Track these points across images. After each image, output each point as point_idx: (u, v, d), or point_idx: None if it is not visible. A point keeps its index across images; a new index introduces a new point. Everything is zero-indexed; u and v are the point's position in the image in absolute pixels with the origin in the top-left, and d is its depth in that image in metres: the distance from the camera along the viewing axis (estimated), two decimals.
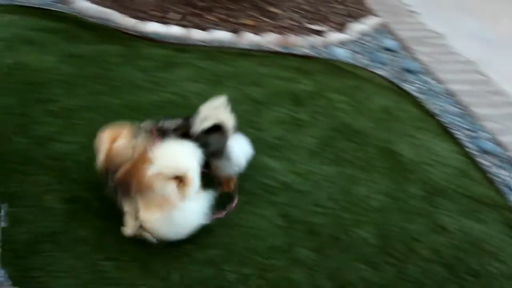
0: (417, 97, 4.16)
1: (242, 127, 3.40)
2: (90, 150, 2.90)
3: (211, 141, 2.62)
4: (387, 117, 3.82)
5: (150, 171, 2.18)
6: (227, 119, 2.67)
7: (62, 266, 2.31)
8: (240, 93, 3.81)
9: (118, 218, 2.52)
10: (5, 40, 4.13)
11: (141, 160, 2.31)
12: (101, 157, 2.49)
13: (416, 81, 4.40)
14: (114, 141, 2.48)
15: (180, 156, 2.26)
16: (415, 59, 4.69)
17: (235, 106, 3.61)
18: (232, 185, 2.83)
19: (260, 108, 3.67)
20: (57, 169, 2.81)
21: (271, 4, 5.33)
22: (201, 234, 2.48)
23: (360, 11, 5.50)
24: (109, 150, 2.47)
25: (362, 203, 2.97)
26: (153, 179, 2.21)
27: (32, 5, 4.89)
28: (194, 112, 2.66)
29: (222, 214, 2.65)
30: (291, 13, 5.22)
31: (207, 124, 2.60)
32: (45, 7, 4.91)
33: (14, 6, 4.83)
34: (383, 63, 4.60)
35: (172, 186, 2.21)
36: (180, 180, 2.21)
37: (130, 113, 3.36)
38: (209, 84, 3.88)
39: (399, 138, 3.57)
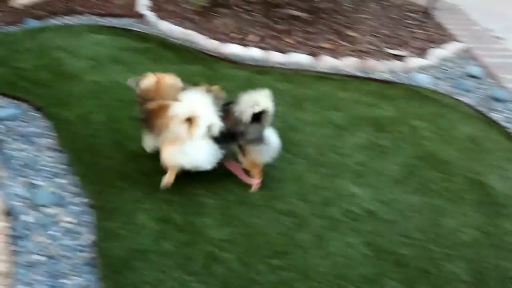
0: (506, 127, 3.96)
1: (324, 152, 3.41)
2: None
3: (252, 130, 2.83)
4: (474, 147, 3.66)
5: (169, 113, 2.67)
6: (271, 107, 2.82)
7: (153, 283, 2.36)
8: (320, 116, 3.80)
9: (205, 241, 2.58)
10: (95, 59, 4.37)
11: (166, 106, 2.76)
12: (144, 85, 2.98)
13: (504, 110, 4.20)
14: (160, 80, 2.98)
15: (193, 102, 2.67)
16: (502, 87, 4.49)
17: (317, 129, 3.64)
18: (258, 174, 2.98)
19: (342, 133, 3.63)
20: (150, 186, 2.90)
21: (349, 28, 5.32)
22: (297, 259, 2.53)
23: (440, 36, 5.36)
24: (157, 83, 2.96)
25: (452, 236, 2.84)
26: (170, 121, 2.67)
27: (117, 26, 5.15)
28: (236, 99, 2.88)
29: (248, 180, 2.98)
30: (370, 37, 5.17)
31: (257, 109, 2.77)
32: (129, 28, 5.15)
33: (99, 26, 5.12)
34: (467, 90, 4.44)
35: (183, 126, 2.64)
36: (190, 122, 2.62)
37: None
38: (289, 107, 3.89)
39: (489, 170, 3.41)
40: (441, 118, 3.96)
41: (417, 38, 5.28)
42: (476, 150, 3.63)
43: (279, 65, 4.59)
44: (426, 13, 5.82)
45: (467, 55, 5.05)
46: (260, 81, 4.21)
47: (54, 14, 5.33)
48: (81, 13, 5.41)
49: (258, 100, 2.79)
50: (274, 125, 3.58)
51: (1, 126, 3.42)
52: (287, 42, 4.93)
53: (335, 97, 4.08)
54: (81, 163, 3.07)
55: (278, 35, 5.04)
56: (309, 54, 4.75)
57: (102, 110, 3.59)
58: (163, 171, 3.01)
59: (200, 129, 2.64)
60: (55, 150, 3.23)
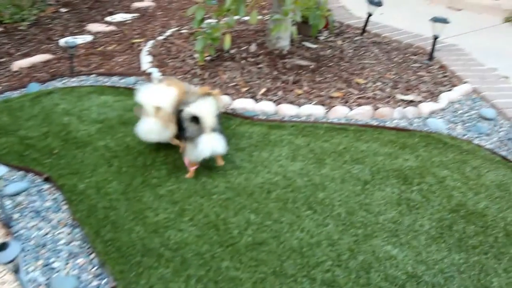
0: None
1: (353, 210, 3.25)
2: (206, 239, 2.81)
3: (189, 128, 3.32)
4: (503, 194, 3.53)
5: None
6: (206, 116, 3.30)
7: None
8: (343, 171, 3.67)
9: None
10: (102, 122, 4.24)
11: None
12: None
13: None
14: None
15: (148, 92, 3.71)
16: None
17: (342, 186, 3.50)
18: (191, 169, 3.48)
19: (368, 188, 3.49)
20: (177, 262, 2.71)
21: (356, 74, 5.27)
22: None
23: (447, 78, 5.33)
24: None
25: None
26: None
27: (121, 86, 5.05)
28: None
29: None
30: (378, 83, 5.11)
31: (188, 113, 3.32)
32: (134, 87, 5.05)
33: (104, 87, 5.00)
34: (483, 133, 4.35)
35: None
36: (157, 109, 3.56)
37: (236, 197, 3.27)
38: (309, 162, 3.76)
39: None
40: (465, 165, 3.84)
41: (425, 81, 5.24)
42: (506, 198, 3.49)
43: (291, 118, 4.48)
44: (428, 54, 5.80)
45: (477, 97, 5.00)
46: (275, 137, 4.10)
47: (56, 76, 5.24)
48: (84, 74, 5.32)
49: (199, 107, 3.34)
50: (298, 182, 3.47)
51: (10, 203, 3.24)
52: (296, 93, 4.85)
53: (354, 149, 3.96)
54: (100, 239, 2.88)
55: (286, 86, 4.97)
56: (320, 104, 4.67)
57: (117, 177, 3.43)
58: (190, 244, 2.83)
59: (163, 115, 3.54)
60: (70, 225, 3.04)
